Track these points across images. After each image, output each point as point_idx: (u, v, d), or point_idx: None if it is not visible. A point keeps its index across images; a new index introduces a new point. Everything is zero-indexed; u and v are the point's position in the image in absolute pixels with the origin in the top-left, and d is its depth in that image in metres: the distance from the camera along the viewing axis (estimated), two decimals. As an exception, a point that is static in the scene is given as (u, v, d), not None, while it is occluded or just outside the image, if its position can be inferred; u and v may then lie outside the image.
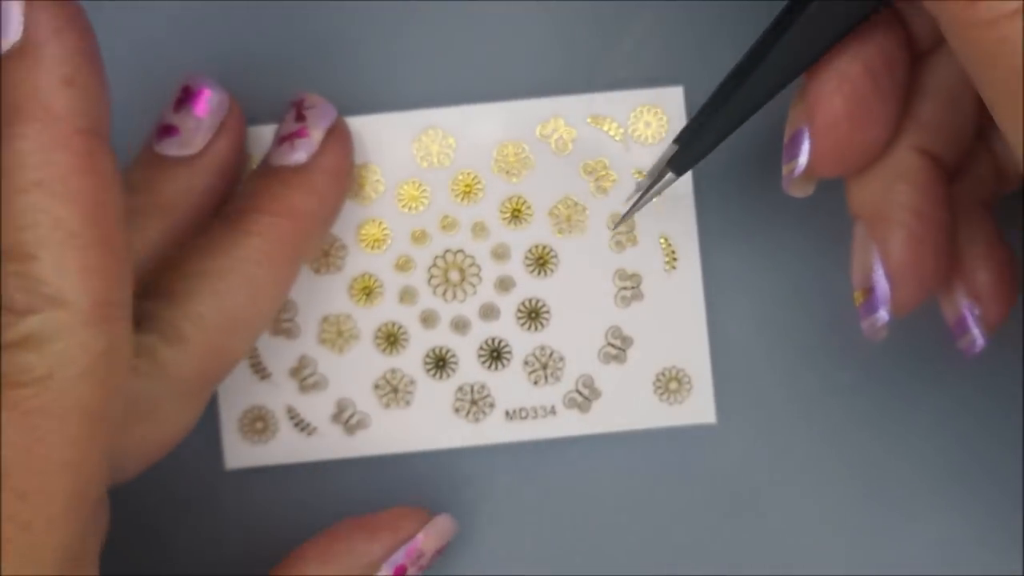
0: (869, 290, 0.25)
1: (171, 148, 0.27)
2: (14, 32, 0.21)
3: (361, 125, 0.28)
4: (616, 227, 0.28)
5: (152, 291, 0.25)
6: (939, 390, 0.26)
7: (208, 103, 0.27)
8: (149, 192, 0.27)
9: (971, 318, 0.25)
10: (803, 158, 0.24)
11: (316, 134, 0.27)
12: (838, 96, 0.24)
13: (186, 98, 0.27)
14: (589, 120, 0.29)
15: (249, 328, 0.26)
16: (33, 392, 0.20)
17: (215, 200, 0.28)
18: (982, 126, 0.25)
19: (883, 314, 0.25)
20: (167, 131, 0.27)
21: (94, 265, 0.21)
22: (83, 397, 0.21)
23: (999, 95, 0.20)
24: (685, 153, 0.25)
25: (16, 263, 0.20)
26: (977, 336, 0.25)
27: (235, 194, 0.27)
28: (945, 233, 0.25)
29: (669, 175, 0.25)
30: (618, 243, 0.29)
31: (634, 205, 0.26)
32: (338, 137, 0.28)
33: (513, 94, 0.29)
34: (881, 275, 0.24)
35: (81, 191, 0.21)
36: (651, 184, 0.25)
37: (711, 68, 0.29)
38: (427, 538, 0.27)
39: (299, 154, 0.27)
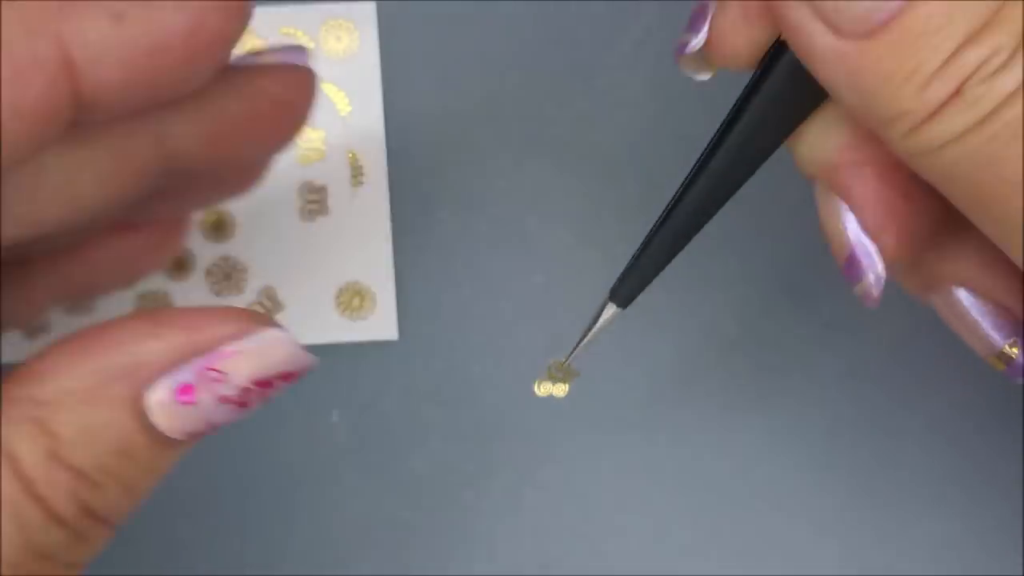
0: (851, 255, 0.21)
1: None
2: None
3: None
4: (567, 359, 0.26)
5: None
6: (940, 389, 0.26)
7: None
8: None
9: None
10: (703, 34, 0.20)
11: None
12: None
13: None
14: (280, 32, 0.29)
15: None
16: None
17: None
18: None
19: (875, 274, 0.21)
20: None
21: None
22: None
23: (976, 214, 0.18)
24: (625, 285, 0.23)
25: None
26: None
27: None
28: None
29: (615, 309, 0.23)
30: (304, 156, 0.29)
31: (580, 340, 0.23)
32: None
33: (513, 89, 0.29)
34: (859, 232, 0.20)
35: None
36: (595, 317, 0.23)
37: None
38: (240, 355, 0.18)
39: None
